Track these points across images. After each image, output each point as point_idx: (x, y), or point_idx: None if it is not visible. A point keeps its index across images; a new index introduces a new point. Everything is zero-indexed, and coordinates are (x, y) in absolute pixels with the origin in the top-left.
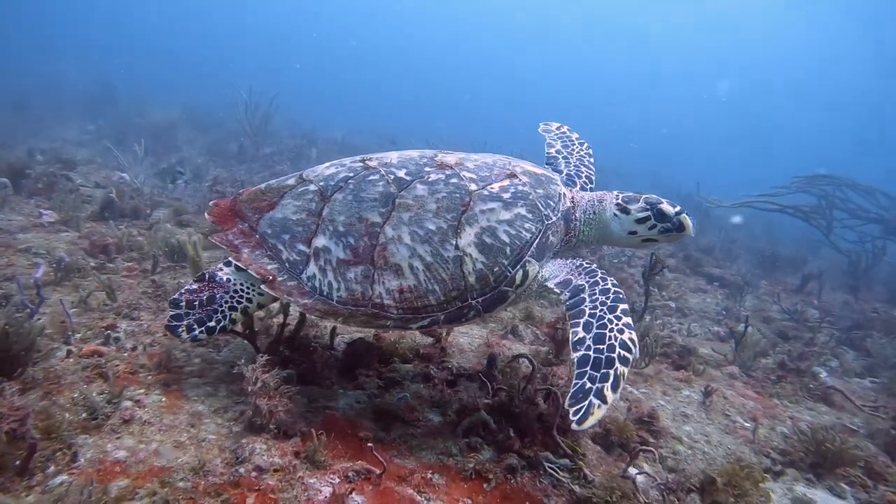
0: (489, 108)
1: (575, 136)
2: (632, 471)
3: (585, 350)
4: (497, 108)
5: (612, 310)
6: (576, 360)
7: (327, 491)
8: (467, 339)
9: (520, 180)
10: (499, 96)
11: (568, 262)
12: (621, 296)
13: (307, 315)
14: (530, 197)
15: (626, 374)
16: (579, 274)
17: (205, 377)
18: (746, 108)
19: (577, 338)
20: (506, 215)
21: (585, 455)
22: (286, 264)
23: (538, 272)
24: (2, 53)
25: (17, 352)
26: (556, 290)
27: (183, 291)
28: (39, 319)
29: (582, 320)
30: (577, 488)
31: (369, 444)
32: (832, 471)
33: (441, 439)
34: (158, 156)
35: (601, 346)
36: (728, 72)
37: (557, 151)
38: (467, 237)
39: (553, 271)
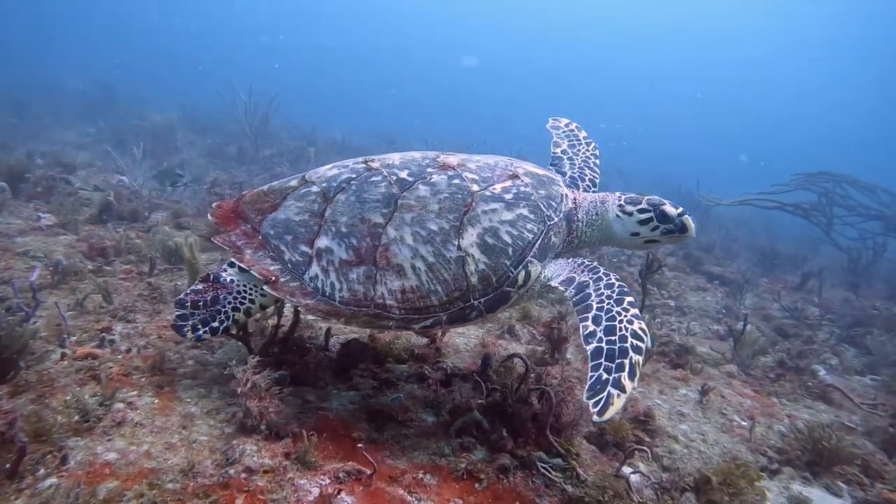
0: (489, 108)
1: (583, 134)
2: (626, 470)
3: (598, 342)
4: (497, 108)
5: (619, 302)
6: (589, 352)
7: (317, 492)
8: (463, 340)
9: (522, 181)
10: (499, 96)
11: (569, 261)
12: (626, 289)
13: (309, 316)
14: (532, 198)
15: (640, 363)
16: (582, 271)
17: (198, 379)
18: (746, 107)
19: (587, 331)
20: (508, 216)
21: (579, 455)
22: (289, 265)
23: (540, 272)
24: (1, 55)
25: (9, 355)
26: (560, 287)
27: (188, 292)
28: (35, 322)
29: (591, 314)
30: (569, 488)
31: (360, 445)
32: (829, 469)
33: (434, 439)
34: (158, 158)
35: (613, 338)
36: (728, 71)
37: (563, 151)
38: (469, 238)
39: (555, 271)
